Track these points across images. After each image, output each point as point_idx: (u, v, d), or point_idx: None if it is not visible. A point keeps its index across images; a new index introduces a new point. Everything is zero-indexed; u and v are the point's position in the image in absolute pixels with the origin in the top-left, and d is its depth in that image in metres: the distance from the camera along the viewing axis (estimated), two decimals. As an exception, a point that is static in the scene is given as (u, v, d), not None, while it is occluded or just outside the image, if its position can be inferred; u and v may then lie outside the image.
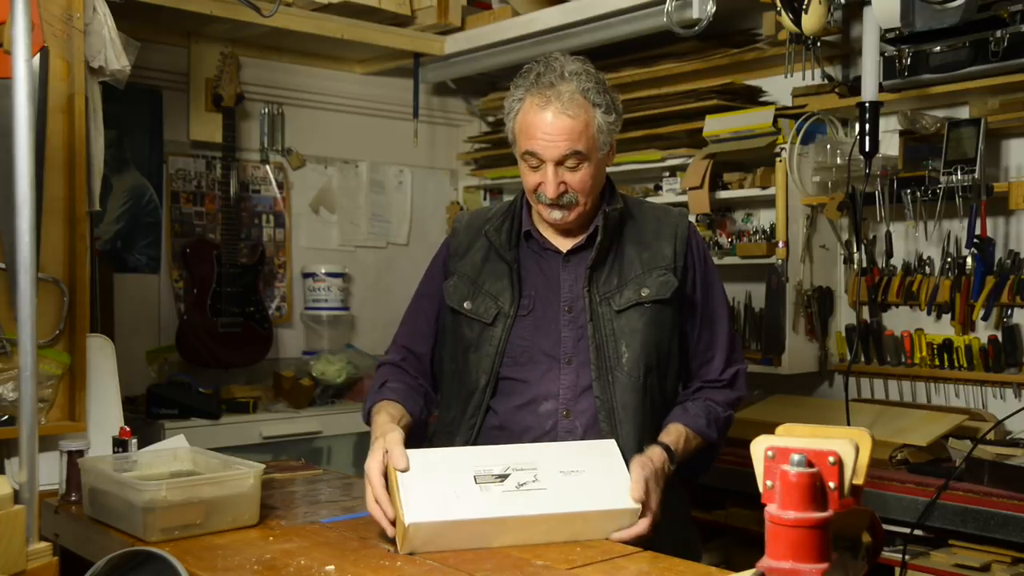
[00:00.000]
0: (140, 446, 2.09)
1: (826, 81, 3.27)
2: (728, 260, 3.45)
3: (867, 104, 2.83)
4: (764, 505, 1.12)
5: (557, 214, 1.89)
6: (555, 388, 1.90)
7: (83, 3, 2.39)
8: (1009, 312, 2.99)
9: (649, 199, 3.08)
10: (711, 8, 3.00)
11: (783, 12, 2.80)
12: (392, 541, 1.64)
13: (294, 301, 4.17)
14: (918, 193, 2.95)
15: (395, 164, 4.48)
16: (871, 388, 3.32)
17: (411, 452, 1.69)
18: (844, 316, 3.35)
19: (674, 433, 1.88)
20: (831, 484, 1.10)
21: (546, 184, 1.85)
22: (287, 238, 4.17)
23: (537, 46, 3.60)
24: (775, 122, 3.26)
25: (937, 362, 3.10)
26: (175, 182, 3.88)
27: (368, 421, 1.92)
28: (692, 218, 3.35)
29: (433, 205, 4.61)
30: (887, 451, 2.79)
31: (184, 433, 2.28)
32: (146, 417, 3.43)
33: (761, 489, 1.14)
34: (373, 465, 1.68)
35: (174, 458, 2.03)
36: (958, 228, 3.04)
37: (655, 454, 1.80)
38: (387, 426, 1.77)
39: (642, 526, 1.68)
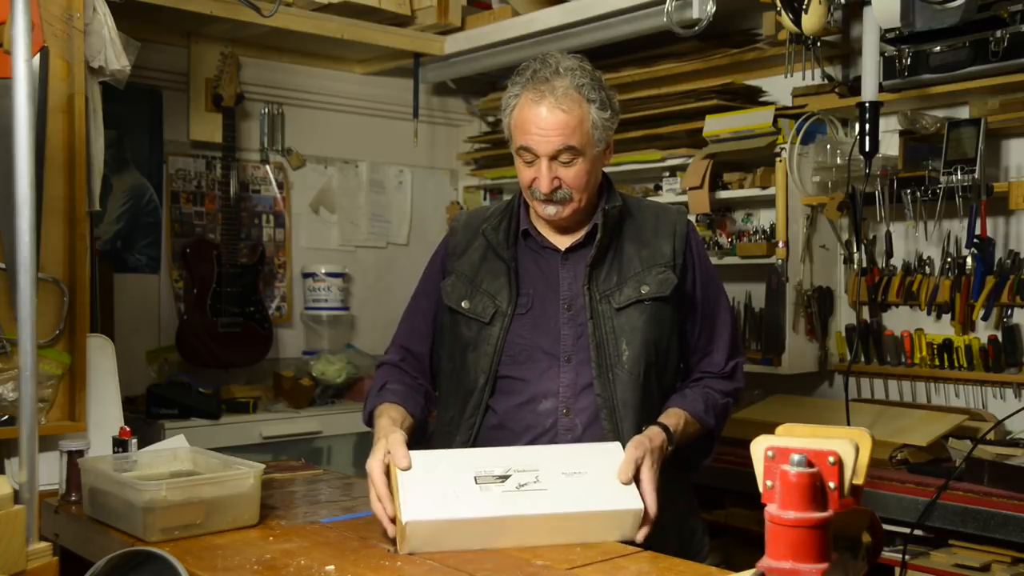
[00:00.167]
0: (140, 446, 2.09)
1: (826, 81, 3.27)
2: (728, 260, 3.45)
3: (867, 104, 2.83)
4: (764, 505, 1.12)
5: (551, 210, 1.89)
6: (554, 386, 1.90)
7: (83, 3, 2.39)
8: (1009, 312, 2.99)
9: (650, 199, 3.08)
10: (711, 8, 3.00)
11: (783, 12, 2.80)
12: (393, 541, 1.64)
13: (294, 301, 4.17)
14: (918, 193, 2.95)
15: (395, 164, 4.48)
16: (871, 388, 3.32)
17: (413, 453, 1.69)
18: (844, 316, 3.35)
19: (673, 416, 1.88)
20: (831, 484, 1.10)
21: (540, 179, 1.85)
22: (287, 238, 4.17)
23: (537, 46, 3.60)
24: (775, 122, 3.26)
25: (937, 362, 3.10)
26: (175, 182, 3.88)
27: (369, 423, 1.93)
28: (692, 218, 3.35)
29: (433, 205, 4.61)
30: (887, 451, 2.79)
31: (184, 433, 2.28)
32: (146, 417, 3.43)
33: (761, 489, 1.14)
34: (375, 465, 1.69)
35: (174, 458, 2.03)
36: (958, 228, 3.04)
37: (653, 433, 1.80)
38: (389, 428, 1.78)
39: (647, 504, 1.67)
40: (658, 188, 3.74)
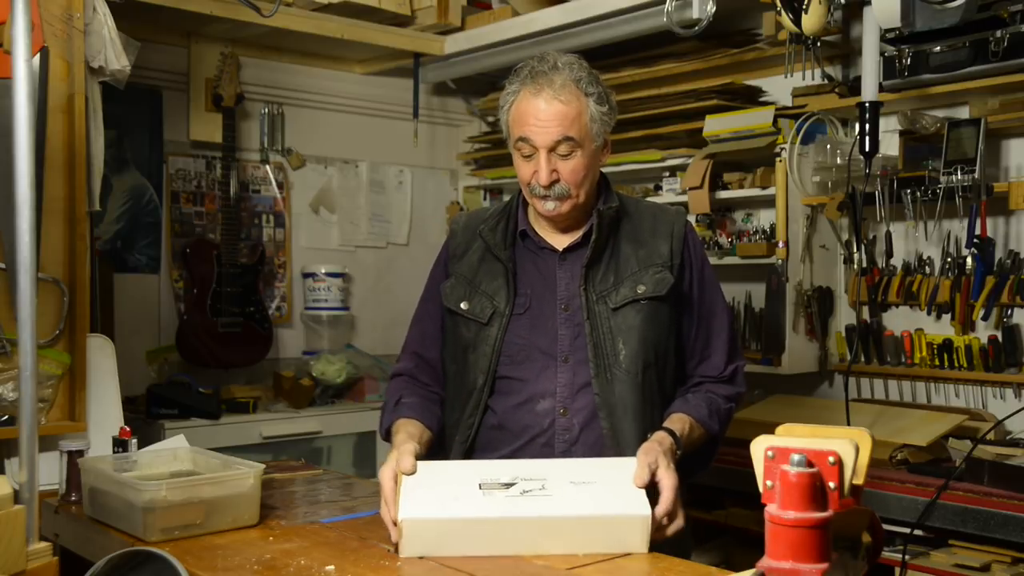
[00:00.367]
0: (140, 446, 2.09)
1: (826, 81, 3.27)
2: (728, 260, 3.45)
3: (867, 104, 2.83)
4: (764, 505, 1.12)
5: (550, 204, 1.89)
6: (552, 386, 1.90)
7: (83, 3, 2.39)
8: (1009, 312, 2.99)
9: (649, 199, 3.08)
10: (711, 8, 3.00)
11: (783, 12, 2.80)
12: (396, 544, 1.63)
13: (294, 301, 4.17)
14: (918, 193, 2.95)
15: (395, 164, 4.48)
16: (871, 388, 3.32)
17: (422, 463, 1.70)
18: (844, 316, 3.35)
19: (678, 421, 1.88)
20: (831, 484, 1.11)
21: (539, 172, 1.85)
22: (287, 238, 4.17)
23: (537, 46, 3.60)
24: (775, 122, 3.26)
25: (937, 362, 3.10)
26: (175, 182, 3.88)
27: (387, 438, 1.94)
28: (692, 218, 3.35)
29: (433, 205, 4.61)
30: (887, 451, 2.79)
31: (184, 433, 2.28)
32: (146, 417, 3.43)
33: (761, 489, 1.14)
34: (386, 471, 1.70)
35: (174, 458, 2.03)
36: (958, 228, 3.04)
37: (660, 437, 1.79)
38: (405, 440, 1.80)
39: (669, 506, 1.66)
40: (658, 188, 3.74)
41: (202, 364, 3.73)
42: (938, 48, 2.84)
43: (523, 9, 3.75)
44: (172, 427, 3.30)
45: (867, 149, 2.84)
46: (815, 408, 3.24)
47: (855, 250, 3.14)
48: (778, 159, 3.24)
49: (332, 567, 1.54)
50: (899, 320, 3.24)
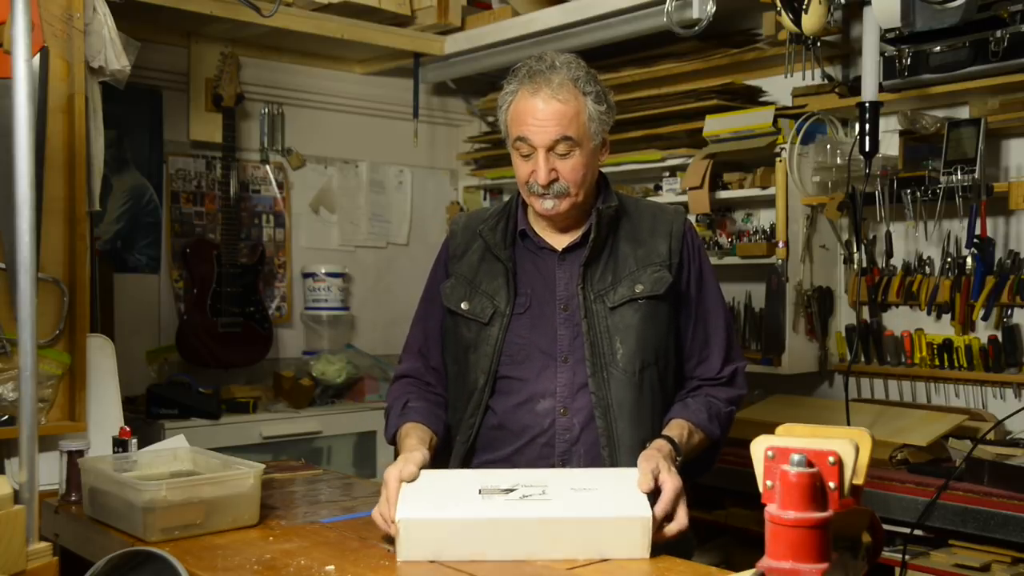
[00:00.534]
0: (140, 446, 2.09)
1: (826, 81, 3.27)
2: (728, 260, 3.45)
3: (867, 104, 2.83)
4: (764, 505, 1.12)
5: (548, 203, 1.89)
6: (552, 386, 1.90)
7: (83, 3, 2.39)
8: (1009, 312, 2.99)
9: (649, 199, 3.08)
10: (711, 8, 3.00)
11: (783, 12, 2.80)
12: (394, 543, 1.64)
13: (294, 301, 4.17)
14: (918, 193, 2.95)
15: (395, 164, 4.48)
16: (871, 388, 3.32)
17: (424, 471, 1.70)
18: (844, 316, 3.35)
19: (676, 428, 1.87)
20: (831, 484, 1.10)
21: (538, 171, 1.85)
22: (287, 238, 4.17)
23: (537, 46, 3.60)
24: (775, 122, 3.26)
25: (937, 362, 3.10)
26: (175, 182, 3.88)
27: (393, 441, 1.94)
28: (692, 218, 3.35)
29: (433, 205, 4.61)
30: (887, 451, 2.79)
31: (184, 433, 2.28)
32: (146, 417, 3.43)
33: (761, 489, 1.14)
34: (392, 472, 1.69)
35: (174, 458, 2.03)
36: (958, 228, 3.04)
37: (658, 444, 1.79)
38: (414, 447, 1.80)
39: (672, 509, 1.66)
40: (658, 188, 3.74)
41: (202, 364, 3.73)
42: (938, 48, 2.84)
43: (523, 9, 3.75)
44: (172, 427, 3.30)
45: (867, 149, 2.84)
46: (815, 408, 3.24)
47: (855, 250, 3.14)
48: (778, 159, 3.24)
49: (332, 567, 1.54)
50: (899, 320, 3.24)
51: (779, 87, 3.45)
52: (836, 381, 3.38)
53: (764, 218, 3.56)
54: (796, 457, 1.10)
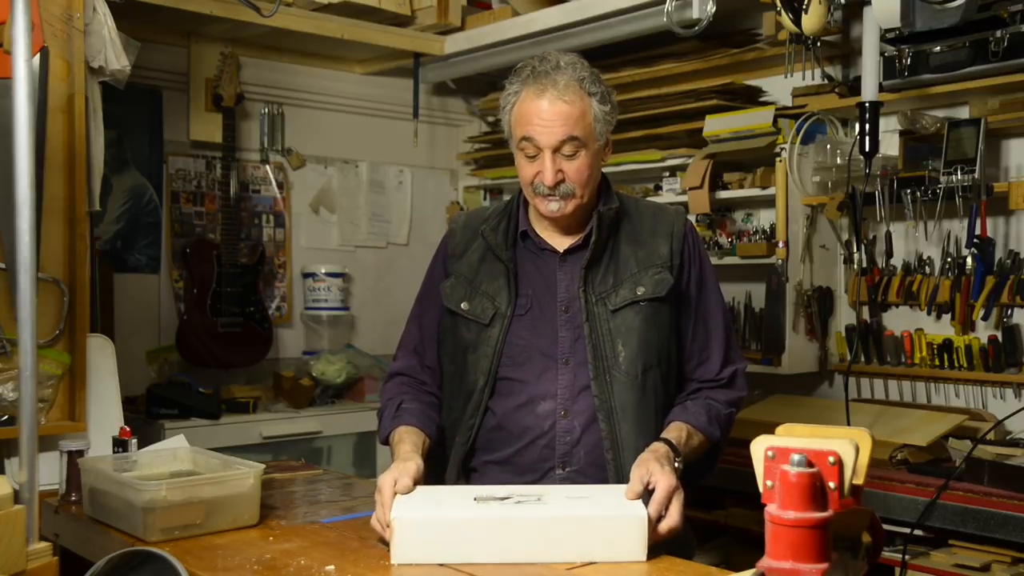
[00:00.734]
0: (140, 446, 2.09)
1: (826, 81, 3.27)
2: (728, 260, 3.45)
3: (867, 104, 2.83)
4: (764, 505, 1.12)
5: (554, 205, 1.88)
6: (553, 388, 1.90)
7: (83, 3, 2.39)
8: (1009, 312, 2.99)
9: (649, 199, 3.08)
10: (711, 8, 3.00)
11: (783, 12, 2.80)
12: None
13: (294, 301, 4.17)
14: (918, 193, 2.95)
15: (395, 164, 4.48)
16: (871, 388, 3.32)
17: (419, 487, 1.70)
18: (844, 316, 3.35)
19: (674, 430, 1.86)
20: (831, 484, 1.10)
21: (544, 172, 1.84)
22: (287, 238, 4.17)
23: (537, 46, 3.60)
24: (775, 122, 3.26)
25: (937, 362, 3.10)
26: (175, 182, 3.88)
27: (386, 442, 1.94)
28: (692, 218, 3.35)
29: (433, 205, 4.61)
30: (887, 451, 2.79)
31: (184, 433, 2.29)
32: (146, 417, 3.43)
33: (761, 489, 1.14)
34: (387, 478, 1.69)
35: (174, 458, 2.03)
36: (958, 228, 3.04)
37: (655, 446, 1.79)
38: (409, 455, 1.78)
39: (663, 509, 1.66)
40: (658, 188, 3.74)
41: (202, 364, 3.74)
42: (938, 48, 2.84)
43: (523, 9, 3.75)
44: (172, 427, 3.30)
45: (867, 149, 2.84)
46: (815, 408, 3.24)
47: (855, 250, 3.14)
48: (778, 159, 3.24)
49: (332, 567, 1.54)
50: (899, 320, 3.24)
51: (779, 87, 3.45)
52: (836, 381, 3.38)
53: (764, 218, 3.56)
54: (796, 457, 1.10)
